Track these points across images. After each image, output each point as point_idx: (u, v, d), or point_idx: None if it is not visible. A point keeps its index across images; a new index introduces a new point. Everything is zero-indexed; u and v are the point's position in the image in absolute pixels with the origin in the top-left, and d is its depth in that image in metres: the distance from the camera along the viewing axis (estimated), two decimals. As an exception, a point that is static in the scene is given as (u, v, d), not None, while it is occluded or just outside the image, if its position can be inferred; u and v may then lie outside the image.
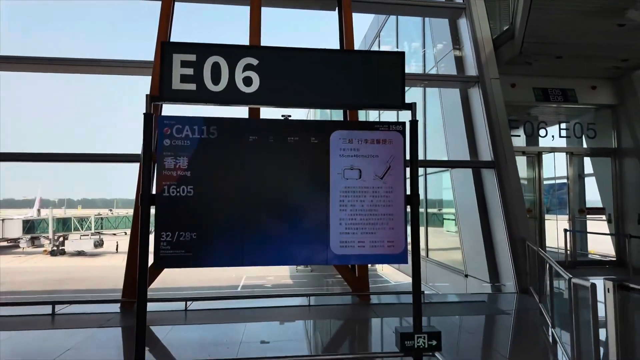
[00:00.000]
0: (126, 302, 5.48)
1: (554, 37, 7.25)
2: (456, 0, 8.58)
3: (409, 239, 3.24)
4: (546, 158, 9.32)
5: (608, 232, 9.08)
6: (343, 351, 4.32)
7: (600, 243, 9.56)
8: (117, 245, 33.46)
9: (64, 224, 37.38)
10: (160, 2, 6.28)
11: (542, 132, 9.22)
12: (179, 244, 3.02)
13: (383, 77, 3.27)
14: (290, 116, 3.28)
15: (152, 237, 3.06)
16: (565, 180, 9.39)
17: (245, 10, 6.49)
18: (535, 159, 9.18)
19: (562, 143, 9.42)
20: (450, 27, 8.90)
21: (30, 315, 5.16)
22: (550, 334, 4.26)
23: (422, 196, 11.08)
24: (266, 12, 6.50)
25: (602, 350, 2.84)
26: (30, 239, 35.54)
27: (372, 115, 14.42)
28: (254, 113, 5.61)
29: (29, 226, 35.83)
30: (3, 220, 35.27)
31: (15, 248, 35.41)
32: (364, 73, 3.27)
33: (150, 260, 3.07)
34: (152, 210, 3.11)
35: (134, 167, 5.74)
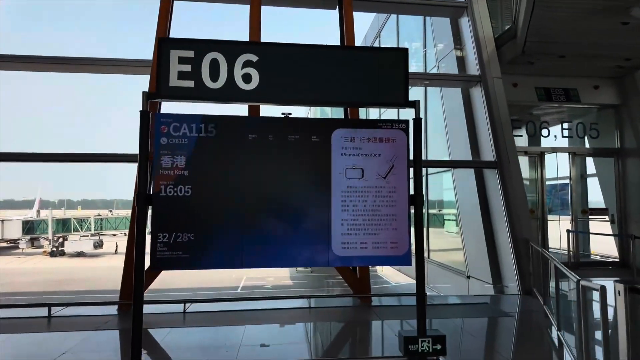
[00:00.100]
0: (124, 304, 5.40)
1: (557, 36, 7.17)
2: (458, -1, 8.51)
3: (413, 240, 3.16)
4: (548, 158, 9.24)
5: (611, 232, 9.00)
6: (344, 355, 4.23)
7: (602, 244, 9.47)
8: (116, 246, 33.38)
9: (63, 225, 37.28)
10: (159, 0, 6.21)
11: (544, 132, 9.14)
12: (176, 245, 2.94)
13: (386, 74, 3.20)
14: (290, 114, 3.21)
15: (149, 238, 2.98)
16: (567, 181, 9.31)
17: (245, 10, 6.42)
18: (538, 159, 9.10)
19: (565, 143, 9.35)
20: (451, 26, 8.82)
21: (26, 317, 5.08)
22: (556, 336, 4.18)
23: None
24: (266, 13, 6.44)
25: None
26: (29, 240, 35.47)
27: (372, 114, 14.33)
28: (254, 111, 5.52)
29: (29, 227, 35.76)
30: (2, 221, 35.18)
31: (14, 249, 35.33)
32: (366, 70, 3.19)
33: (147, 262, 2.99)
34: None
35: (134, 168, 5.65)
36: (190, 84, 3.07)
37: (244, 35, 5.78)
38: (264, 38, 6.22)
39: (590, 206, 9.43)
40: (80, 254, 33.56)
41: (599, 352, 3.63)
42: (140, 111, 3.01)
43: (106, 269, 22.95)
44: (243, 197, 3.04)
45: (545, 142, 9.17)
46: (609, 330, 2.77)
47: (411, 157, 3.24)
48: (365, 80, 3.18)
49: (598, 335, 3.08)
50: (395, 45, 14.85)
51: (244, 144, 3.07)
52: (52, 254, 33.72)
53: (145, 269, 3.08)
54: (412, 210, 3.22)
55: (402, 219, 3.12)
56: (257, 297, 8.47)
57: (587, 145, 9.38)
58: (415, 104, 3.22)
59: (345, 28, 6.53)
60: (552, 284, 5.48)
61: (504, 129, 7.37)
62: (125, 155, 6.37)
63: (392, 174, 3.14)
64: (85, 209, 57.90)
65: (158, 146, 3.00)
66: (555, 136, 9.20)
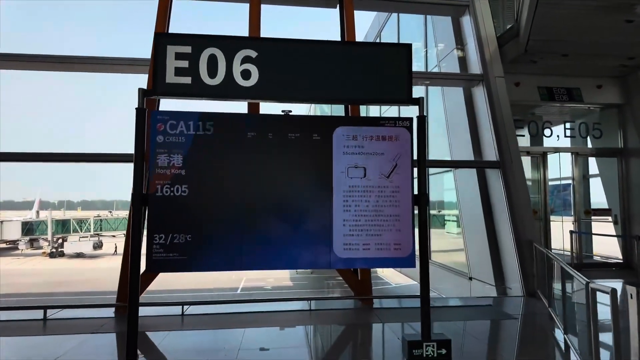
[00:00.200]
0: (121, 306, 5.29)
1: (560, 34, 7.09)
2: (459, -2, 8.42)
3: (417, 242, 3.06)
4: (551, 158, 9.15)
5: (614, 233, 8.91)
6: (345, 359, 4.14)
7: (605, 245, 9.38)
8: (115, 247, 33.27)
9: (63, 226, 37.21)
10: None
11: (547, 132, 9.05)
12: (173, 246, 2.85)
13: (389, 70, 3.11)
14: (290, 111, 3.12)
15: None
16: (570, 181, 9.22)
17: (245, 9, 6.34)
18: (540, 160, 9.01)
19: (567, 143, 9.26)
20: (453, 25, 8.74)
21: (21, 320, 4.98)
22: (562, 340, 4.08)
23: (424, 197, 10.84)
24: (265, 13, 6.36)
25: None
26: (29, 241, 35.38)
27: (372, 112, 14.23)
28: (253, 108, 5.40)
29: (28, 228, 35.68)
30: (2, 222, 35.10)
31: (14, 250, 35.23)
32: (368, 66, 3.10)
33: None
34: None
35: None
36: (187, 80, 2.98)
37: (244, 34, 5.69)
38: (264, 36, 6.14)
39: (593, 207, 9.33)
40: (79, 255, 33.49)
41: (604, 354, 3.55)
42: (136, 108, 2.92)
43: (105, 270, 22.86)
44: (241, 197, 2.95)
45: (547, 142, 9.09)
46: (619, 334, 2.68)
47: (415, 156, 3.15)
48: (368, 77, 3.09)
49: (602, 337, 3.00)
50: (395, 45, 14.76)
51: (243, 142, 2.98)
52: (51, 255, 33.63)
53: (142, 271, 2.99)
54: (415, 211, 3.13)
55: (405, 219, 3.03)
56: (257, 300, 8.38)
57: (590, 145, 9.29)
58: (419, 101, 3.13)
59: (346, 27, 6.44)
60: (556, 285, 5.40)
61: (507, 128, 7.29)
62: (124, 155, 6.28)
63: (396, 173, 3.06)
64: (85, 209, 57.78)
65: (154, 144, 2.91)
66: (557, 136, 9.11)
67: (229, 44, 3.01)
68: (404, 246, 3.02)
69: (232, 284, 18.39)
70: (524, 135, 8.98)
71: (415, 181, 3.10)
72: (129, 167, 6.42)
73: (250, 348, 4.05)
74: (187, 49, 2.98)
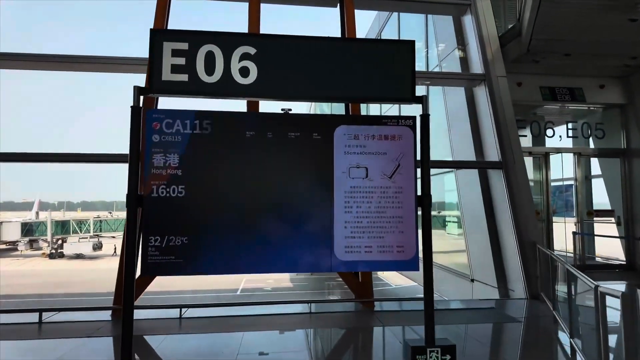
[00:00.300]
0: (118, 309, 5.20)
1: (563, 33, 7.01)
2: (461, -3, 8.34)
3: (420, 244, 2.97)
4: (553, 159, 9.07)
5: (617, 235, 8.81)
6: (347, 363, 4.05)
7: (607, 246, 9.29)
8: (114, 248, 33.19)
9: (62, 227, 37.16)
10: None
11: (549, 132, 8.97)
12: (169, 249, 2.76)
13: (391, 67, 3.02)
14: (290, 110, 3.03)
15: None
16: (572, 182, 9.14)
17: (244, 9, 6.26)
18: (542, 160, 8.93)
19: (570, 143, 9.17)
20: (454, 24, 8.66)
21: (15, 323, 4.89)
22: (568, 343, 4.00)
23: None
24: (265, 14, 6.29)
25: None
26: (28, 242, 35.32)
27: (373, 111, 14.12)
28: (252, 106, 5.30)
29: (28, 229, 35.60)
30: (1, 222, 35.02)
31: (13, 251, 35.14)
32: (370, 63, 3.02)
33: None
34: None
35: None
36: (184, 77, 2.89)
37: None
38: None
39: (595, 208, 9.25)
40: (79, 256, 33.41)
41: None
42: (131, 107, 2.84)
43: (105, 271, 22.76)
44: (240, 198, 2.86)
45: (549, 143, 9.00)
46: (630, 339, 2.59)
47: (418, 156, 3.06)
48: (370, 74, 3.01)
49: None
50: (396, 45, 14.67)
51: (241, 141, 2.89)
52: (51, 256, 33.55)
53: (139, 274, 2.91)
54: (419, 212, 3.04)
55: (409, 221, 2.94)
56: (256, 302, 8.28)
57: (592, 145, 9.21)
58: (422, 100, 3.05)
59: (347, 26, 6.36)
60: (559, 287, 5.31)
61: (509, 128, 7.21)
62: (122, 156, 6.19)
63: (399, 173, 2.97)
64: (85, 210, 57.69)
65: (150, 144, 2.83)
66: (560, 136, 9.03)
67: (227, 41, 2.92)
68: (407, 249, 2.93)
69: (232, 285, 18.30)
70: (526, 136, 8.89)
71: (419, 181, 3.01)
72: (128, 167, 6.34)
73: (249, 352, 3.96)
74: (184, 46, 2.90)
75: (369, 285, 5.64)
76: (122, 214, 44.51)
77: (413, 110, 3.44)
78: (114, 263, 5.35)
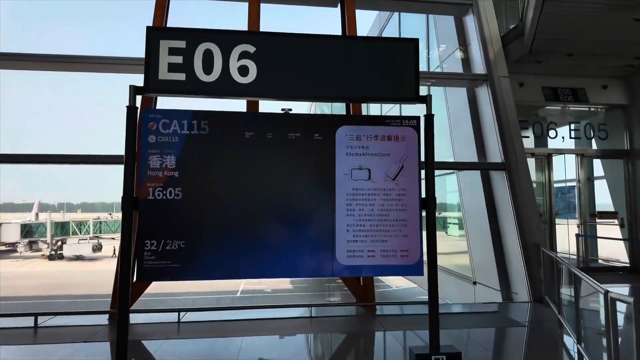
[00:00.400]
0: (115, 313, 5.11)
1: (566, 33, 6.94)
2: (463, -4, 8.27)
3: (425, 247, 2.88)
4: (556, 160, 8.99)
5: (620, 237, 8.72)
6: (348, 369, 3.96)
7: (611, 248, 9.19)
8: (114, 250, 33.10)
9: (62, 228, 37.09)
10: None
11: (551, 133, 8.89)
12: (165, 253, 2.67)
13: (394, 66, 2.94)
14: (291, 110, 2.94)
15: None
16: (575, 184, 9.05)
17: (244, 8, 6.18)
18: (545, 161, 8.84)
19: (572, 144, 9.09)
20: (455, 25, 8.58)
21: (10, 328, 4.80)
22: (575, 349, 3.90)
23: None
24: (265, 14, 6.21)
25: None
26: (28, 243, 35.22)
27: (373, 111, 14.03)
28: (252, 106, 5.20)
29: (27, 230, 35.52)
30: (1, 224, 34.95)
31: (13, 252, 35.04)
32: (372, 62, 2.93)
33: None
34: None
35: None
36: (181, 76, 2.81)
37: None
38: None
39: (598, 209, 9.17)
40: (79, 258, 33.31)
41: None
42: (127, 106, 2.75)
43: (104, 273, 22.63)
44: (238, 200, 2.77)
45: (552, 144, 8.92)
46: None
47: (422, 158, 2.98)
48: (372, 73, 2.92)
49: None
50: (397, 46, 14.58)
51: (240, 142, 2.80)
52: (50, 258, 33.46)
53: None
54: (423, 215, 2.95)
55: (413, 224, 2.85)
56: (255, 306, 8.19)
57: (595, 146, 9.13)
58: (426, 99, 2.96)
59: (347, 26, 6.28)
60: (564, 291, 5.22)
61: (512, 129, 7.12)
62: (121, 157, 6.10)
63: (402, 175, 2.88)
64: (85, 212, 57.55)
65: (146, 145, 2.74)
66: (562, 137, 8.95)
67: (225, 39, 2.84)
68: (411, 253, 2.84)
69: (232, 287, 18.18)
70: (528, 137, 8.82)
71: (423, 183, 2.92)
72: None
73: (248, 357, 3.87)
74: (182, 44, 2.81)
75: (370, 289, 5.55)
76: (122, 216, 44.39)
77: (414, 110, 3.36)
78: (114, 265, 5.27)
